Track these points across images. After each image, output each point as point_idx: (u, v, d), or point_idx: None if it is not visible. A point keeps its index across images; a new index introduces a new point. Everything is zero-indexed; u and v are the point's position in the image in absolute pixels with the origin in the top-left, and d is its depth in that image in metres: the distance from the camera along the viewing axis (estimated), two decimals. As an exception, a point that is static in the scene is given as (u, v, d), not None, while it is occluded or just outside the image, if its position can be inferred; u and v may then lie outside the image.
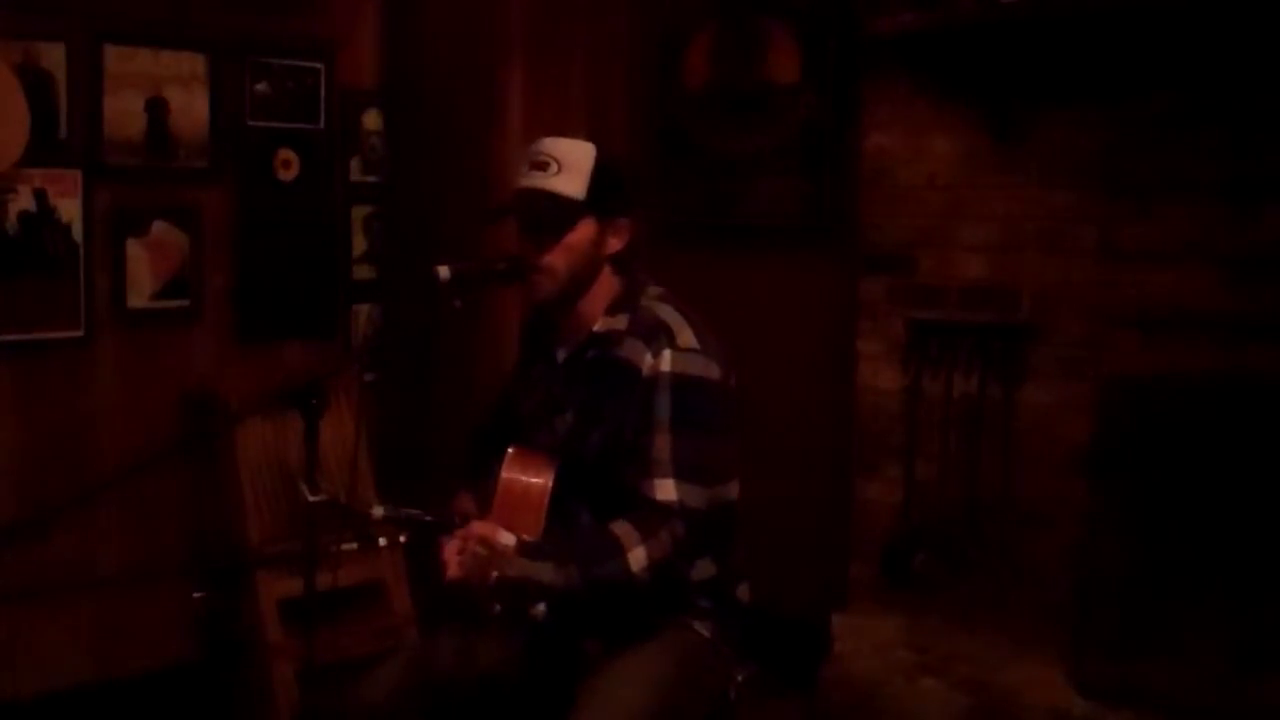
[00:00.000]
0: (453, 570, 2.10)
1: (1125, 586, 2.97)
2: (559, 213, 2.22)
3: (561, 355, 2.35)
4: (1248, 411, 2.86)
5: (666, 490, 2.13)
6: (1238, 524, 2.83)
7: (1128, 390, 3.03)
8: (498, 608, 2.14)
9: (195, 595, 3.55)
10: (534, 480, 2.26)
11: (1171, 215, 3.00)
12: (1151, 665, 2.90)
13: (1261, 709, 2.77)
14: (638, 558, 2.09)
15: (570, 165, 2.23)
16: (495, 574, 2.03)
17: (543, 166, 2.23)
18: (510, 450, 2.30)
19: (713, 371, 2.21)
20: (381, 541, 2.34)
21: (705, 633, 2.28)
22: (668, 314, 2.24)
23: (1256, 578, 2.81)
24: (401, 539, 2.29)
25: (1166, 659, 2.88)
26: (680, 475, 2.14)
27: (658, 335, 2.20)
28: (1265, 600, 2.79)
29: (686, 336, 2.21)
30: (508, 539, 2.06)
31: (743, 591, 2.35)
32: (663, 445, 2.15)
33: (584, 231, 2.24)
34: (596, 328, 2.28)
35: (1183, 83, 2.95)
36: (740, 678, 2.35)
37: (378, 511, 2.18)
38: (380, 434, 3.84)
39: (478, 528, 2.08)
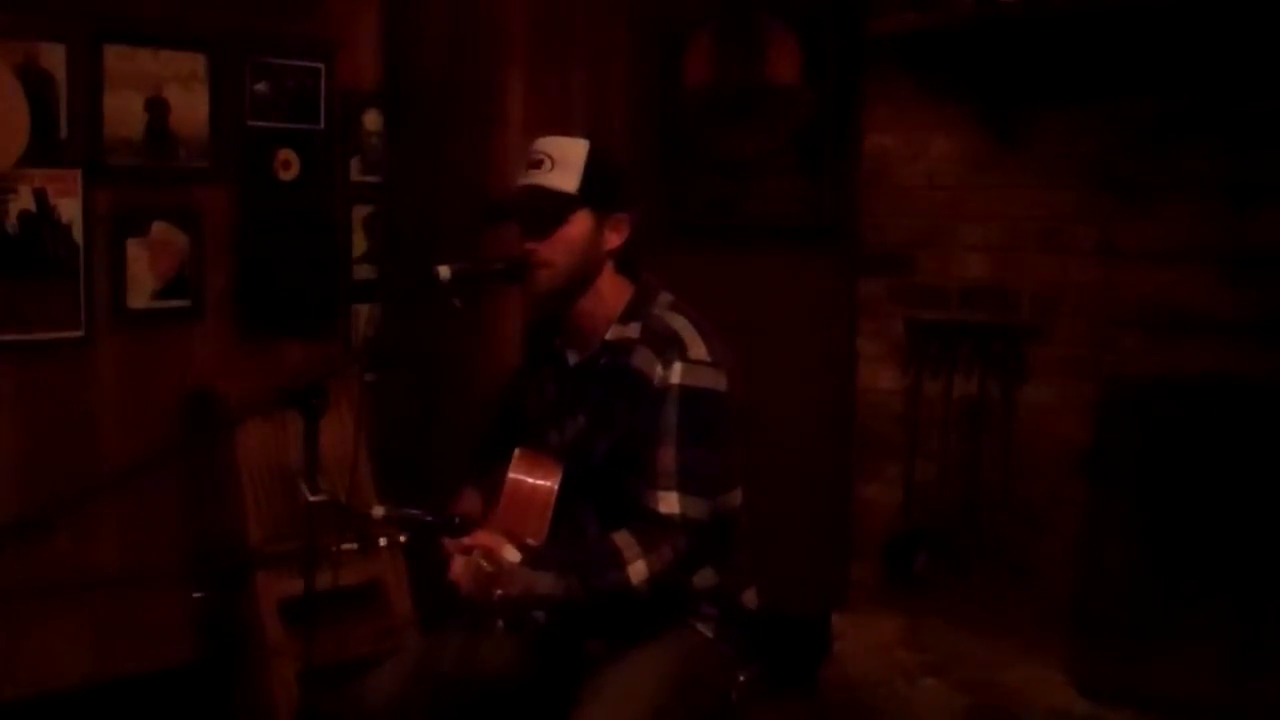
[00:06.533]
0: (464, 589, 2.04)
1: (1126, 587, 2.97)
2: (553, 207, 2.22)
3: (573, 359, 2.34)
4: (1248, 412, 2.86)
5: (670, 503, 2.14)
6: (1238, 524, 2.84)
7: (1128, 390, 3.03)
8: (501, 623, 2.13)
9: (195, 595, 3.55)
10: (541, 482, 2.26)
11: (1171, 215, 3.01)
12: (1152, 665, 2.90)
13: (1262, 709, 2.77)
14: (638, 570, 2.09)
15: (563, 160, 2.23)
16: (499, 592, 2.01)
17: (538, 164, 2.24)
18: (517, 451, 2.30)
19: (720, 383, 2.22)
20: (381, 541, 2.34)
21: (708, 633, 2.28)
22: (679, 324, 2.24)
23: (1257, 578, 2.81)
24: (401, 539, 2.29)
25: (1167, 659, 2.88)
26: (684, 488, 2.14)
27: (670, 346, 2.20)
28: (1266, 600, 2.80)
29: (698, 348, 2.21)
30: (513, 555, 2.03)
31: (749, 597, 2.36)
32: (668, 457, 2.15)
33: (579, 225, 2.24)
34: (609, 335, 2.27)
35: (1182, 83, 2.95)
36: (742, 678, 2.35)
37: (378, 511, 2.18)
38: (380, 434, 3.84)
39: (483, 540, 2.06)
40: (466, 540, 2.07)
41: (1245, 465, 2.84)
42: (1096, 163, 3.12)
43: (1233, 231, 2.92)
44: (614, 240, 2.28)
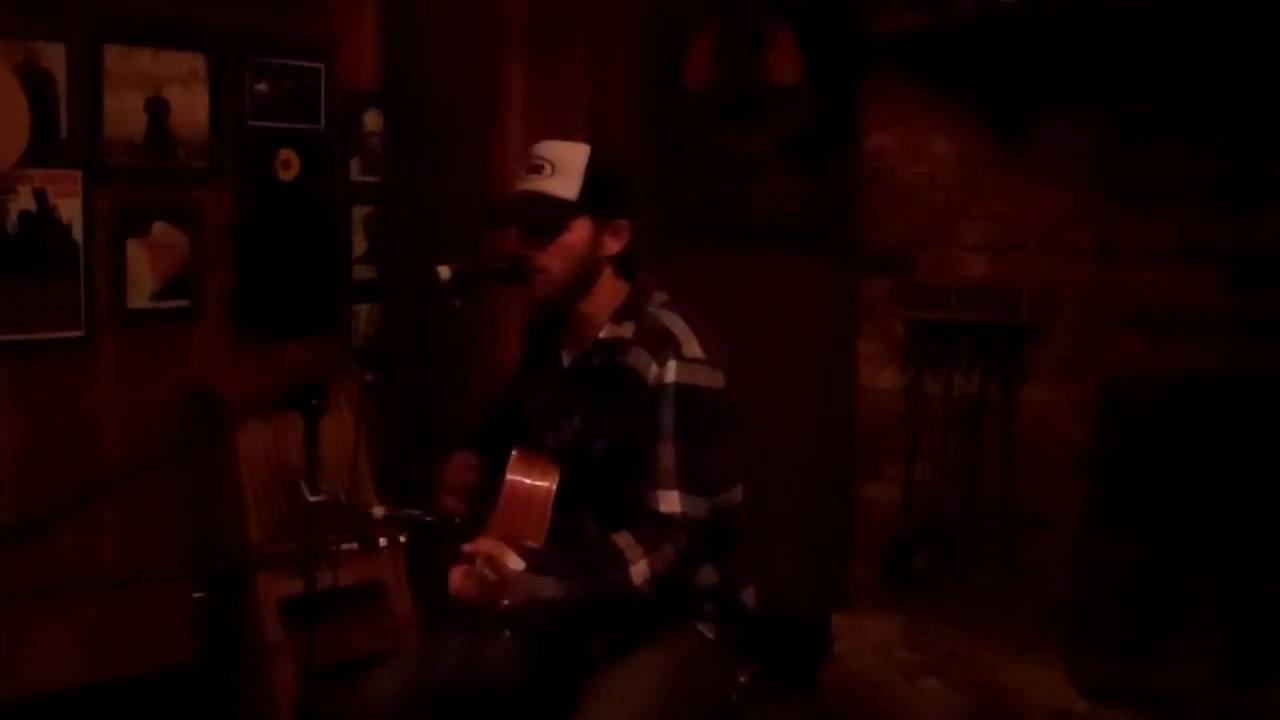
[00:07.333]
0: (465, 594, 2.03)
1: (1125, 586, 2.97)
2: (552, 214, 2.22)
3: (567, 359, 2.34)
4: (1248, 411, 2.86)
5: (670, 502, 2.13)
6: (1238, 524, 2.84)
7: (1128, 390, 3.03)
8: (507, 633, 2.12)
9: (195, 595, 3.54)
10: (538, 483, 2.25)
11: (1171, 215, 3.00)
12: (1151, 665, 2.89)
13: (1262, 709, 2.77)
14: (640, 571, 2.08)
15: (563, 167, 2.22)
16: (505, 602, 2.00)
17: (538, 169, 2.23)
18: (514, 452, 2.29)
19: (717, 381, 2.22)
20: (381, 541, 2.35)
21: (709, 634, 2.28)
22: (674, 323, 2.23)
23: (1256, 577, 2.81)
24: (401, 539, 2.29)
25: (1166, 659, 2.88)
26: (684, 487, 2.14)
27: (664, 345, 2.20)
28: (1265, 600, 2.79)
29: (692, 346, 2.20)
30: (516, 563, 2.01)
31: (748, 596, 2.35)
32: (667, 456, 2.15)
33: (578, 232, 2.23)
34: (602, 334, 2.27)
35: (1182, 83, 2.95)
36: (743, 679, 2.35)
37: (378, 511, 2.18)
38: (380, 434, 3.84)
39: (485, 547, 2.04)
40: (468, 548, 2.06)
41: (1245, 465, 2.83)
42: (1096, 163, 3.12)
43: (1233, 231, 2.92)
44: (613, 247, 2.27)
